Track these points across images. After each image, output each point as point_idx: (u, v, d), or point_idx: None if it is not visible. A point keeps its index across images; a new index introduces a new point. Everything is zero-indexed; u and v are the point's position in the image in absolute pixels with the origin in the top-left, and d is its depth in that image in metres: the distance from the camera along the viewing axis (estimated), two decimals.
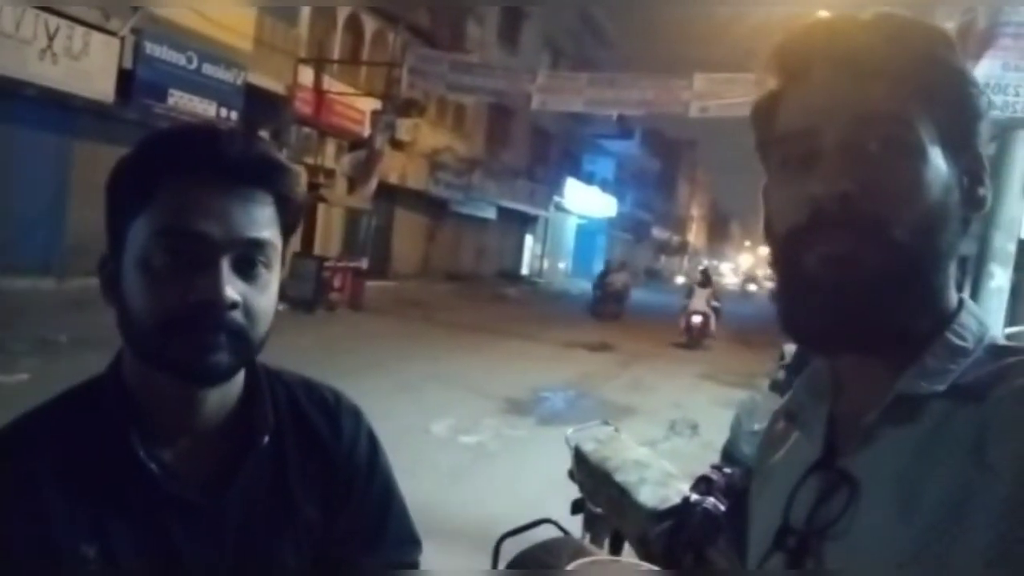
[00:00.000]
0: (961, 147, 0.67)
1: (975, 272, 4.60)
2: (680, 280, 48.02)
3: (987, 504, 0.55)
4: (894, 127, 0.64)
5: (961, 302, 0.68)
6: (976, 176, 0.67)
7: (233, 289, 0.78)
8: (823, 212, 0.63)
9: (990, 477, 0.56)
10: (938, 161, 0.64)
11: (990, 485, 0.56)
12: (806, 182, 0.65)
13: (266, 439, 0.87)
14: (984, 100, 0.68)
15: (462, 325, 14.37)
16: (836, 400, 0.72)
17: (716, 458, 3.33)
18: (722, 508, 2.37)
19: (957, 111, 0.66)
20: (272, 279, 0.83)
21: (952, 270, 0.68)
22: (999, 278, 4.46)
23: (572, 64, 27.05)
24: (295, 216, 0.86)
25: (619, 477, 2.75)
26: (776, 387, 7.34)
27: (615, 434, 3.24)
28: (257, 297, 0.81)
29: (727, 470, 2.58)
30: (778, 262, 0.69)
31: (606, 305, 19.37)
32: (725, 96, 13.13)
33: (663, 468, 2.86)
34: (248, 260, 0.80)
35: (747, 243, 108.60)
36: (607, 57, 32.81)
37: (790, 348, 9.30)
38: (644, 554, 2.57)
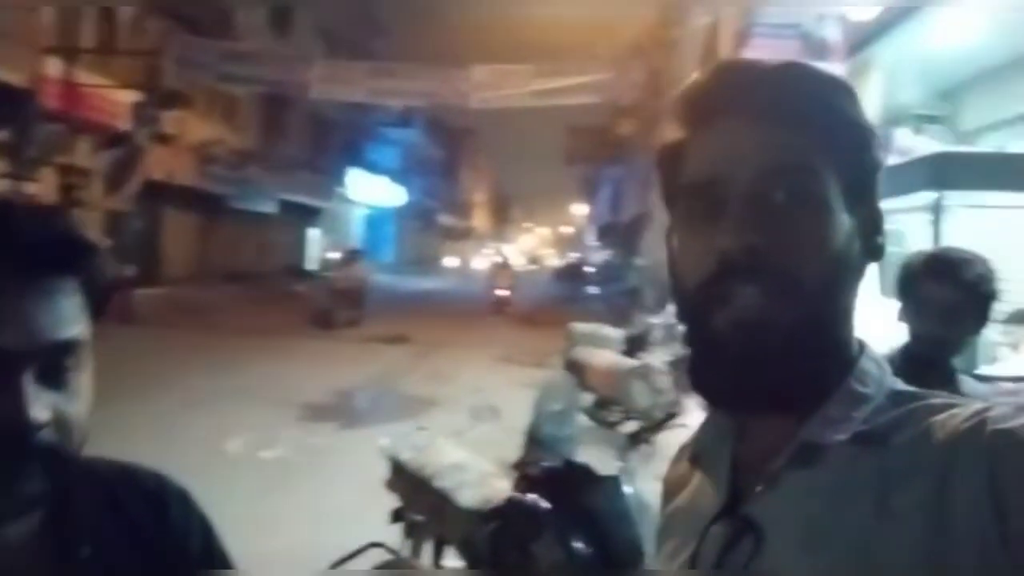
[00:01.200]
0: (862, 197, 0.67)
1: None
2: (448, 262, 49.56)
3: (892, 551, 0.56)
4: (800, 178, 0.63)
5: (861, 347, 0.68)
6: (875, 226, 0.68)
7: (41, 406, 0.64)
8: (730, 265, 0.62)
9: (895, 524, 0.57)
10: (841, 212, 0.64)
11: (895, 532, 0.57)
12: (713, 234, 0.63)
13: (88, 550, 0.74)
14: (884, 152, 0.68)
15: (248, 329, 13.65)
16: (739, 443, 0.71)
17: (522, 441, 3.41)
18: (545, 504, 2.42)
19: (859, 162, 0.67)
20: (85, 377, 0.70)
21: (853, 318, 0.67)
22: None
23: (349, 53, 26.46)
24: (105, 298, 0.73)
25: (438, 483, 2.73)
26: (571, 367, 7.70)
27: (431, 439, 3.21)
28: (70, 406, 0.67)
29: (545, 464, 2.63)
30: (686, 318, 0.68)
31: (334, 310, 15.09)
32: (503, 87, 13.46)
33: (481, 469, 2.87)
34: (56, 367, 0.66)
35: (527, 225, 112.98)
36: (384, 46, 32.45)
37: (578, 327, 9.72)
38: (469, 557, 2.57)
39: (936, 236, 2.74)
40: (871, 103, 5.97)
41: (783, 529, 0.62)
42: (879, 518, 0.58)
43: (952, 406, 0.61)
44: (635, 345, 8.87)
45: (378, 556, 2.26)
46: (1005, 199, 2.93)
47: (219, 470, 5.38)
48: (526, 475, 2.60)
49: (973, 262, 1.91)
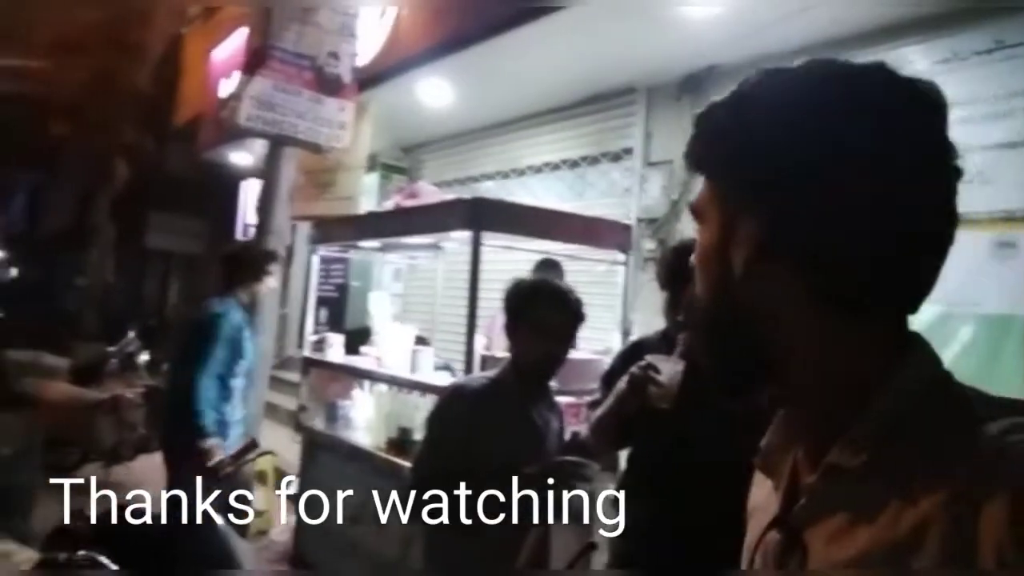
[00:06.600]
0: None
1: None
2: None
3: (933, 558, 0.56)
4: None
5: (904, 359, 0.65)
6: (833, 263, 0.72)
7: None
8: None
9: (930, 536, 0.57)
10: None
11: (930, 543, 0.57)
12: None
13: None
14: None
15: None
16: (799, 447, 0.73)
17: None
18: (107, 562, 1.99)
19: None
20: None
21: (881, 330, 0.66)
22: None
23: None
24: None
25: None
26: (9, 399, 6.42)
27: None
28: None
29: (108, 515, 2.17)
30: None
31: None
32: None
33: None
34: None
35: None
36: None
37: (13, 355, 8.18)
38: None
39: (474, 267, 3.13)
40: (365, 143, 6.43)
41: (821, 542, 0.64)
42: (914, 532, 0.58)
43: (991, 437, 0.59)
44: (85, 376, 7.90)
45: None
46: (521, 241, 3.53)
47: None
48: (69, 530, 2.09)
49: (573, 292, 2.24)
